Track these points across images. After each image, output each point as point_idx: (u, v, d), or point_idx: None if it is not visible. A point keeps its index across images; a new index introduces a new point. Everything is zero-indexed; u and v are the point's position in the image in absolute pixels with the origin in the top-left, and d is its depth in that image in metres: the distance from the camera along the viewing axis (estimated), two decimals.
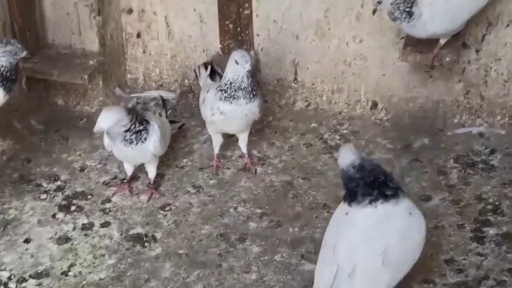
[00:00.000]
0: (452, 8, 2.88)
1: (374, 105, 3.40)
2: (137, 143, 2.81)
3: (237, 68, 2.83)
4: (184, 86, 3.58)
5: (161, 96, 3.25)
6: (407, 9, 2.88)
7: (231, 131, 3.02)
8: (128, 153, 2.86)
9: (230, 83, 2.85)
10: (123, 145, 2.81)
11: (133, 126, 2.78)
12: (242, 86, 2.85)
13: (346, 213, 2.28)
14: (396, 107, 3.37)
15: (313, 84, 3.44)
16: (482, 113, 3.30)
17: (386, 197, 2.24)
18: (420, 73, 3.30)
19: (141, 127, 2.81)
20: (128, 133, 2.78)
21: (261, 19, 3.36)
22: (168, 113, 3.18)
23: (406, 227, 2.25)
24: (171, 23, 3.48)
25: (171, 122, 3.18)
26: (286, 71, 3.44)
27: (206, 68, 3.20)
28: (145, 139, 2.82)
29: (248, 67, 2.80)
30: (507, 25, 3.11)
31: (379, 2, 2.92)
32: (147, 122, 2.84)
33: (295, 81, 3.46)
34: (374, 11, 2.98)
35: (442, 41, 3.00)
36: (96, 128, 2.73)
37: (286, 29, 3.35)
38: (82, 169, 3.14)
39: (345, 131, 3.32)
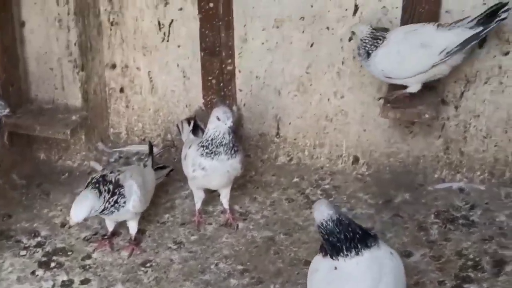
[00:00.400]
0: (402, 52, 2.97)
1: (356, 160, 3.43)
2: (118, 210, 2.81)
3: (218, 124, 2.85)
4: (166, 140, 3.59)
5: (149, 142, 3.24)
6: (369, 50, 2.99)
7: (213, 186, 3.03)
8: (109, 217, 2.88)
9: (212, 139, 2.87)
10: (103, 215, 2.83)
11: (107, 203, 2.78)
12: (224, 142, 2.86)
13: (335, 268, 2.29)
14: (377, 162, 3.40)
15: (295, 139, 3.46)
16: (462, 168, 3.32)
17: (368, 245, 2.29)
18: (400, 128, 3.33)
19: (116, 197, 2.80)
20: (105, 211, 2.79)
21: (243, 75, 3.40)
22: (157, 155, 3.16)
23: (394, 265, 2.31)
24: (154, 78, 3.50)
25: (159, 168, 3.18)
26: (269, 126, 3.46)
27: (189, 123, 3.22)
28: (124, 203, 2.82)
29: (229, 123, 2.82)
30: (485, 82, 3.16)
31: (353, 33, 3.04)
32: (121, 186, 2.83)
33: (278, 136, 3.48)
34: (350, 39, 3.11)
35: (409, 89, 3.05)
36: (71, 222, 2.74)
37: (269, 85, 3.39)
38: (63, 225, 3.12)
39: (326, 186, 3.33)
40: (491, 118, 3.22)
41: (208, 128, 2.90)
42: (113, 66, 3.52)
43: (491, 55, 3.11)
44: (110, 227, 2.98)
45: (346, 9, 3.17)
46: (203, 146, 2.88)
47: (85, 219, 2.77)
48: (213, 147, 2.86)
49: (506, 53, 3.10)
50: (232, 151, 2.88)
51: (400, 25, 3.11)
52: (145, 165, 3.07)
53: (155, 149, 3.49)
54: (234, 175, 2.96)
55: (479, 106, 3.22)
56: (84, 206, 2.71)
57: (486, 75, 3.15)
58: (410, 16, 3.11)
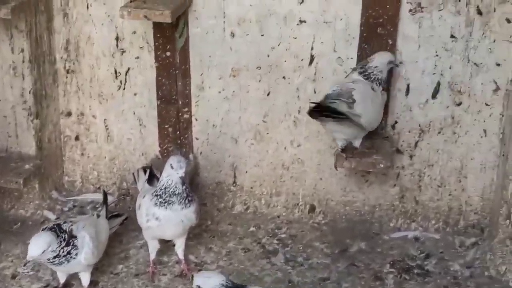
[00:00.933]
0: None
1: (312, 208, 3.42)
2: (69, 262, 2.75)
3: (171, 173, 2.82)
4: (122, 189, 3.54)
5: (103, 191, 3.19)
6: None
7: (167, 237, 2.98)
8: (59, 268, 2.81)
9: (165, 188, 2.83)
10: (54, 266, 2.77)
11: (61, 250, 2.73)
12: (177, 192, 2.83)
13: None
14: (334, 211, 3.39)
15: (252, 187, 3.45)
16: (417, 217, 3.34)
17: None
18: (356, 177, 3.35)
19: (69, 247, 2.75)
20: (57, 258, 2.73)
21: (200, 123, 3.39)
22: (112, 204, 3.10)
23: None
24: (110, 126, 3.47)
25: (113, 216, 3.14)
26: (225, 174, 3.45)
27: (145, 172, 3.18)
28: (76, 254, 2.77)
29: (181, 173, 2.79)
30: (439, 132, 3.21)
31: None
32: (74, 237, 2.78)
33: (234, 185, 3.46)
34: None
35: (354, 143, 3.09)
36: (28, 257, 2.67)
37: (225, 133, 3.38)
38: (13, 276, 3.03)
39: (283, 235, 3.31)
40: (445, 167, 3.25)
41: (162, 176, 2.87)
42: (69, 114, 3.49)
43: (444, 105, 3.16)
44: (62, 278, 2.91)
45: (302, 59, 3.20)
46: (156, 196, 2.85)
47: (41, 259, 2.69)
48: (167, 196, 2.83)
49: (459, 104, 3.15)
50: (186, 201, 2.84)
51: None
52: (98, 215, 3.02)
53: (110, 198, 3.44)
54: (189, 225, 2.92)
55: (433, 155, 3.25)
56: (42, 240, 2.67)
57: (440, 125, 3.20)
58: None
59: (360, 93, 2.92)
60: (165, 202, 2.83)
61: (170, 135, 3.39)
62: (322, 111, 2.88)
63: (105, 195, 3.11)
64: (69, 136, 3.53)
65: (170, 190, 2.83)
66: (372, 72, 3.02)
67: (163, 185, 2.84)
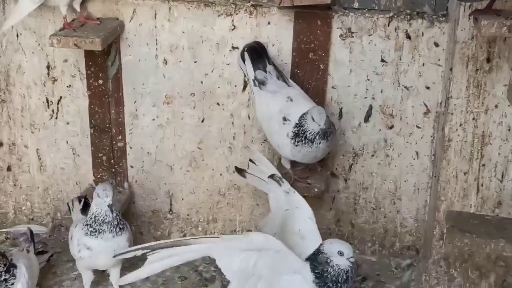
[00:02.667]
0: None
1: None
2: None
3: (99, 201, 2.77)
4: (56, 219, 3.45)
5: (29, 229, 3.10)
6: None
7: (101, 266, 2.90)
8: None
9: (95, 217, 2.78)
10: None
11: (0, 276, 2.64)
12: (107, 220, 2.77)
13: None
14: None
15: (188, 215, 3.40)
16: (354, 240, 3.33)
17: None
18: None
19: (8, 275, 2.67)
20: None
21: (135, 151, 3.33)
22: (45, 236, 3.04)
23: None
24: (43, 156, 3.38)
25: (40, 253, 3.04)
26: (161, 202, 3.39)
27: (79, 202, 3.10)
28: (12, 284, 2.68)
29: (108, 200, 2.75)
30: (372, 155, 3.21)
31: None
32: (14, 266, 2.70)
33: (170, 212, 3.40)
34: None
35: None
36: None
37: (160, 161, 3.33)
38: None
39: None
40: (379, 190, 3.26)
41: (92, 205, 2.81)
42: (0, 144, 3.39)
43: (377, 129, 3.17)
44: None
45: (236, 85, 3.18)
46: (87, 225, 2.79)
47: None
48: (97, 225, 2.77)
49: (391, 127, 3.17)
50: (117, 229, 2.79)
51: None
52: (28, 250, 2.94)
53: (44, 229, 3.35)
54: None
55: (367, 178, 3.25)
56: None
57: (373, 148, 3.21)
58: None
59: None
60: (96, 231, 2.77)
61: (105, 163, 3.32)
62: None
63: (31, 232, 3.04)
64: (0, 167, 3.42)
65: (100, 219, 2.77)
66: None
67: (93, 214, 2.78)
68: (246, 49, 3.04)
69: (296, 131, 2.88)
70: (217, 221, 3.40)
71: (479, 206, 3.00)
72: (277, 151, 3.05)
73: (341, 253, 2.48)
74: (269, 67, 3.02)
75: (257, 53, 3.04)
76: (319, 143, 2.87)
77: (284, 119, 2.92)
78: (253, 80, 3.01)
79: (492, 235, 2.67)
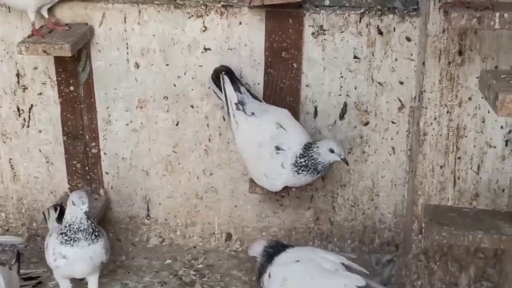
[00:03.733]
0: None
1: (229, 236, 3.37)
2: None
3: (74, 209, 2.73)
4: (32, 229, 3.40)
5: (17, 251, 3.06)
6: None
7: (78, 275, 2.85)
8: None
9: (69, 225, 2.75)
10: None
11: None
12: (82, 228, 2.74)
13: None
14: (250, 237, 3.34)
15: (166, 219, 3.37)
16: (333, 238, 3.33)
17: None
18: (271, 202, 3.31)
19: None
20: None
21: (109, 157, 3.29)
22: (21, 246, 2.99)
23: None
24: (16, 165, 3.33)
25: (27, 279, 3.02)
26: (138, 208, 3.36)
27: (55, 210, 3.06)
28: None
29: (85, 208, 2.71)
30: (349, 152, 3.20)
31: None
32: None
33: (148, 218, 3.38)
34: None
35: None
36: None
37: (136, 166, 3.30)
38: None
39: (200, 266, 3.24)
40: (357, 186, 3.26)
41: (66, 213, 2.78)
42: None
43: (352, 125, 3.17)
44: None
45: (209, 87, 3.15)
46: (62, 233, 2.75)
47: None
48: (72, 234, 2.74)
49: (366, 123, 3.16)
50: (93, 236, 2.75)
51: (264, 99, 3.13)
52: (10, 268, 2.91)
53: (19, 239, 3.30)
54: (99, 262, 2.80)
55: (344, 175, 3.25)
56: None
57: (349, 145, 3.20)
58: (272, 91, 3.13)
59: None
60: (71, 239, 2.74)
61: (79, 171, 3.28)
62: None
63: (18, 254, 3.00)
64: None
65: (75, 227, 2.73)
66: None
67: (67, 222, 2.74)
68: (223, 72, 3.01)
69: (303, 162, 2.87)
70: (196, 225, 3.37)
71: (457, 199, 3.00)
72: (255, 178, 2.99)
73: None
74: (242, 88, 3.01)
75: (230, 75, 3.02)
76: (323, 171, 2.91)
77: (278, 148, 2.89)
78: (236, 104, 2.96)
79: (470, 227, 2.68)
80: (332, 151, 2.86)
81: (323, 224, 3.33)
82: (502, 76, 1.99)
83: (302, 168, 2.88)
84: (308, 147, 2.88)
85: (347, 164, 2.90)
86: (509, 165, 2.99)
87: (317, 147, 2.87)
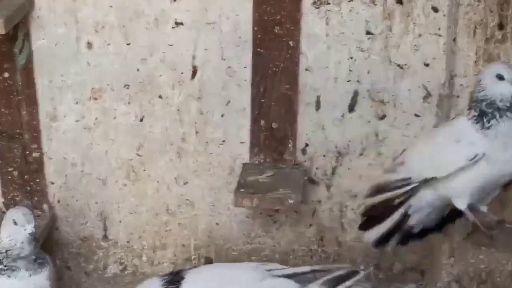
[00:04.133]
0: None
1: (208, 262, 3.39)
2: None
3: (15, 230, 2.74)
4: None
5: None
6: None
7: None
8: None
9: (7, 251, 2.76)
10: None
11: None
12: (23, 254, 2.75)
13: None
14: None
15: (128, 241, 3.41)
16: (341, 262, 3.34)
17: None
18: (262, 218, 3.35)
19: None
20: None
21: (55, 163, 3.32)
22: None
23: None
24: None
25: None
26: (93, 227, 3.40)
27: None
28: None
29: (31, 228, 2.72)
30: (361, 154, 3.24)
31: None
32: None
33: (105, 239, 3.41)
34: None
35: None
36: None
37: (89, 173, 3.33)
38: None
39: None
40: None
41: (1, 236, 2.78)
42: None
43: (365, 120, 3.20)
44: None
45: (182, 72, 3.18)
46: None
47: None
48: (9, 261, 2.75)
49: (382, 117, 3.19)
50: (36, 265, 2.77)
51: (252, 90, 3.16)
52: None
53: None
54: None
55: (355, 183, 3.28)
56: None
57: (361, 145, 3.23)
58: (262, 77, 3.16)
59: None
60: (8, 268, 2.76)
61: (16, 180, 3.32)
62: None
63: None
64: None
65: (15, 253, 2.75)
66: None
67: (4, 247, 2.76)
68: None
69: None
70: (166, 248, 3.40)
71: (498, 211, 3.02)
72: None
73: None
74: None
75: None
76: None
77: None
78: None
79: None
80: (500, 77, 2.68)
81: (329, 245, 3.36)
82: None
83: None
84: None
85: None
86: None
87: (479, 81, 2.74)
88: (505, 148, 2.65)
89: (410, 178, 2.83)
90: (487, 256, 2.70)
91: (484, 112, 2.68)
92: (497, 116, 2.67)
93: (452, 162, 2.72)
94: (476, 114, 2.69)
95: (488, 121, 2.68)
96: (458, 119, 2.79)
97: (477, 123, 2.69)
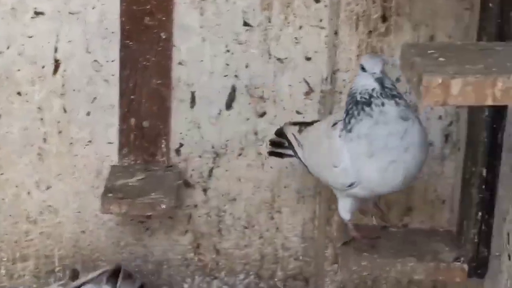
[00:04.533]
0: None
1: (75, 275, 3.37)
2: None
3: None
4: None
5: None
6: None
7: None
8: None
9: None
10: None
11: None
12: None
13: None
14: None
15: None
16: (220, 272, 3.40)
17: None
18: (132, 225, 3.35)
19: None
20: None
21: None
22: None
23: None
24: None
25: None
26: None
27: None
28: None
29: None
30: (239, 154, 3.28)
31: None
32: None
33: None
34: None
35: None
36: None
37: None
38: None
39: None
40: (251, 201, 3.34)
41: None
42: None
43: (243, 117, 3.25)
44: None
45: (44, 67, 3.17)
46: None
47: None
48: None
49: (262, 114, 3.25)
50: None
51: (120, 85, 3.17)
52: None
53: None
54: None
55: (234, 186, 3.32)
56: None
57: (240, 145, 3.27)
58: (131, 72, 3.17)
59: None
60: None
61: None
62: None
63: None
64: None
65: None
66: None
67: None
68: None
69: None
70: (27, 259, 3.37)
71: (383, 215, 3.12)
72: None
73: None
74: None
75: None
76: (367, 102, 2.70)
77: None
78: None
79: (399, 253, 2.78)
80: (363, 68, 2.64)
81: (206, 253, 3.39)
82: (429, 52, 2.07)
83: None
84: None
85: (382, 87, 2.61)
86: (450, 168, 3.13)
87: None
88: (371, 154, 2.61)
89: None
90: (370, 262, 2.76)
91: (346, 110, 2.66)
92: (355, 113, 2.62)
93: (332, 182, 2.78)
94: (344, 115, 2.67)
95: (349, 121, 2.64)
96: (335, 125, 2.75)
97: (343, 126, 2.66)
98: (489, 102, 1.90)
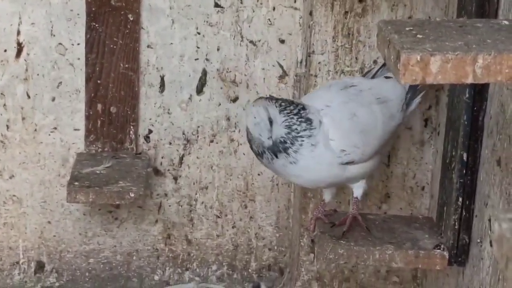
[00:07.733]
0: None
1: (40, 267, 3.37)
2: None
3: None
4: None
5: None
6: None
7: None
8: None
9: None
10: None
11: None
12: None
13: None
14: (72, 267, 3.37)
15: None
16: (192, 263, 3.39)
17: None
18: (100, 215, 3.34)
19: None
20: None
21: None
22: None
23: None
24: None
25: None
26: None
27: None
28: None
29: None
30: (211, 141, 3.28)
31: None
32: None
33: None
34: None
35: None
36: None
37: None
38: None
39: None
40: (224, 188, 3.33)
41: None
42: None
43: (215, 102, 3.24)
44: None
45: (6, 50, 3.15)
46: None
47: None
48: None
49: (235, 99, 3.24)
50: None
51: (86, 70, 3.15)
52: None
53: None
54: None
55: (206, 174, 3.31)
56: None
57: (212, 131, 3.27)
58: (98, 55, 3.16)
59: None
60: None
61: None
62: None
63: None
64: None
65: None
66: None
67: None
68: None
69: None
70: None
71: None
72: None
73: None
74: None
75: None
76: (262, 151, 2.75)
77: None
78: None
79: (377, 241, 2.77)
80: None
81: (177, 244, 3.38)
82: (407, 29, 2.04)
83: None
84: None
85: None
86: (429, 153, 3.12)
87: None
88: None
89: None
90: (347, 250, 2.74)
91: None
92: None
93: None
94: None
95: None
96: None
97: None
98: (470, 80, 1.87)
